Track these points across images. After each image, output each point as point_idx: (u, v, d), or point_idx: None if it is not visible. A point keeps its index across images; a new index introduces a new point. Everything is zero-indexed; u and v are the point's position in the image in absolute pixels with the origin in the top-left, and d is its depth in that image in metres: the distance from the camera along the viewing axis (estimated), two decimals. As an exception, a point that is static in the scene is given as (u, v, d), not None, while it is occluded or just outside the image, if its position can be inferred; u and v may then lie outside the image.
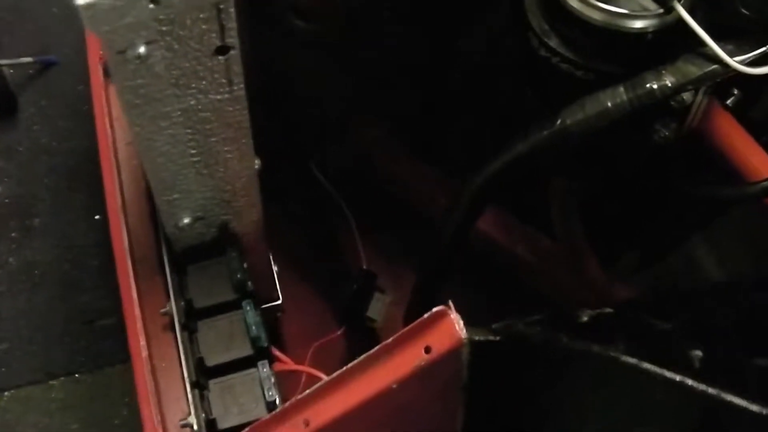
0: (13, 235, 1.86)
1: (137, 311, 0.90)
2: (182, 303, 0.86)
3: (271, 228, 1.06)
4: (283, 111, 1.09)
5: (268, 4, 0.98)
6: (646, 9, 0.70)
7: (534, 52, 0.74)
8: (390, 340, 0.67)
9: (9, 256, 1.80)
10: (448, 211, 0.78)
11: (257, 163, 0.83)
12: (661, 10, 0.70)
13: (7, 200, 1.94)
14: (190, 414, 0.80)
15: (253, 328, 0.82)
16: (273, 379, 0.80)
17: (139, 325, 0.89)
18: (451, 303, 0.65)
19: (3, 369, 1.62)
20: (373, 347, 0.93)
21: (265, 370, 0.80)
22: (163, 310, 0.87)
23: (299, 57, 1.03)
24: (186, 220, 0.85)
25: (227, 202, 0.85)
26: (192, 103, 0.74)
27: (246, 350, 0.82)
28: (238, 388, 0.81)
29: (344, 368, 0.69)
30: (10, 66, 2.00)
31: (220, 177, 0.82)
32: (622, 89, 0.69)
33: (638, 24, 0.71)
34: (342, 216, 1.09)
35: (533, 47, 0.74)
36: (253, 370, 0.82)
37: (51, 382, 1.67)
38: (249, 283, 0.86)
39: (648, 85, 0.68)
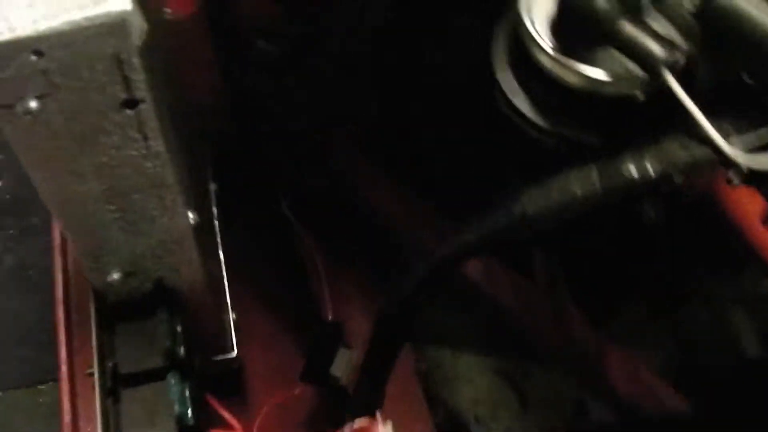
0: (10, 232, 1.80)
1: (64, 368, 0.82)
2: (110, 365, 0.77)
3: (236, 267, 0.98)
4: (256, 138, 1.00)
5: (234, 27, 0.88)
6: (630, 73, 0.58)
7: (497, 109, 0.63)
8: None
9: (5, 254, 1.75)
10: (391, 295, 0.67)
11: (192, 217, 0.74)
12: (647, 77, 0.58)
13: (7, 196, 1.89)
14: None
15: (176, 406, 0.73)
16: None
17: (65, 386, 0.81)
18: (379, 415, 0.55)
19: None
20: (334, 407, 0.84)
21: (181, 457, 0.71)
22: (89, 371, 0.78)
23: (266, 77, 0.93)
24: (115, 276, 0.76)
25: (159, 258, 0.76)
26: (104, 159, 0.65)
27: (171, 428, 0.73)
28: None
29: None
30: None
31: (147, 233, 0.73)
32: (594, 173, 0.57)
33: (621, 90, 0.59)
34: (313, 258, 0.98)
35: (498, 103, 0.63)
36: (177, 452, 0.73)
37: (39, 387, 1.61)
38: (181, 349, 0.77)
39: (625, 172, 0.57)
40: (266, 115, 0.96)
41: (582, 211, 0.57)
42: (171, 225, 0.73)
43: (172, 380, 0.74)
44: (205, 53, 0.94)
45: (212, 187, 1.00)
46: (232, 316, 0.93)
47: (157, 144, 0.65)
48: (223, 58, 0.93)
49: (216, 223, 0.98)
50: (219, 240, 0.96)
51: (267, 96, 0.93)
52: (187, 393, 0.75)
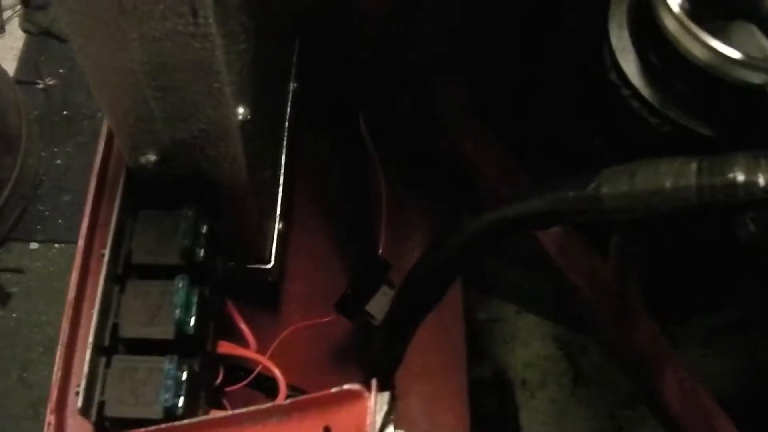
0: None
1: (81, 243, 0.76)
2: (123, 251, 0.71)
3: (299, 175, 0.90)
4: (350, 51, 0.91)
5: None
6: (765, 60, 0.47)
7: (603, 73, 0.52)
8: (286, 402, 0.51)
9: (100, 110, 1.74)
10: (430, 253, 0.58)
11: (241, 113, 0.66)
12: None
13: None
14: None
15: (178, 311, 0.66)
16: (177, 380, 0.64)
17: (78, 260, 0.75)
18: (375, 382, 0.47)
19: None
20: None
21: (170, 366, 0.64)
22: (103, 251, 0.72)
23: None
24: (150, 158, 0.69)
25: (200, 148, 0.69)
26: (145, 30, 0.57)
27: (168, 332, 0.67)
28: (141, 374, 0.66)
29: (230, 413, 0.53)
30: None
31: (189, 120, 0.65)
32: (693, 168, 0.46)
33: (751, 77, 0.48)
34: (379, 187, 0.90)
35: (604, 65, 0.52)
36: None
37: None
38: (200, 251, 0.70)
39: (731, 175, 0.46)
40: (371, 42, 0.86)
41: (667, 208, 0.47)
42: (216, 116, 0.66)
43: (180, 283, 0.68)
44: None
45: (292, 86, 0.92)
46: (278, 225, 0.86)
47: (208, 23, 0.57)
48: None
49: (287, 124, 0.90)
50: (285, 143, 0.89)
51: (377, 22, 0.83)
52: (194, 300, 0.69)
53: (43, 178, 1.75)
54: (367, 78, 0.93)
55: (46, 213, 1.75)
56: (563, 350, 1.32)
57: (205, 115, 0.66)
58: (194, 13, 0.56)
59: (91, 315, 0.70)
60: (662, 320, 0.82)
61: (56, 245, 1.69)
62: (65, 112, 1.85)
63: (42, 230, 1.72)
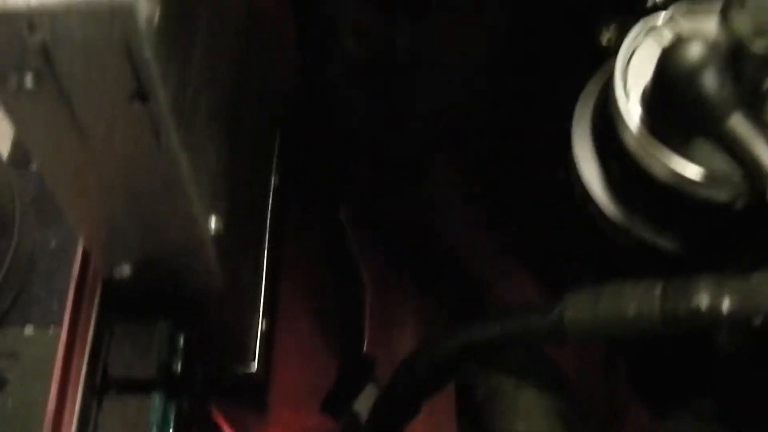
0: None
1: (60, 353, 0.76)
2: (100, 363, 0.70)
3: (281, 271, 0.90)
4: (328, 138, 0.91)
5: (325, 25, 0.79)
6: (731, 176, 0.46)
7: (567, 184, 0.51)
8: None
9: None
10: (401, 374, 0.57)
11: (212, 227, 0.65)
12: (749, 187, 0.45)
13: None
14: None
15: (155, 428, 0.65)
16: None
17: (57, 373, 0.75)
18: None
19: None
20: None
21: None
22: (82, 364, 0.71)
23: (357, 85, 0.84)
24: (124, 271, 0.69)
25: (175, 260, 0.68)
26: (110, 152, 0.57)
27: (144, 452, 0.66)
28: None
29: None
30: None
31: (160, 232, 0.65)
32: (657, 293, 0.46)
33: (716, 194, 0.47)
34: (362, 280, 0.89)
35: (569, 178, 0.52)
36: (143, 479, 0.65)
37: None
38: (177, 364, 0.69)
39: (695, 301, 0.45)
40: (347, 124, 0.86)
41: (632, 334, 0.46)
42: (187, 230, 0.65)
43: (157, 399, 0.67)
44: (285, 37, 0.85)
45: (273, 180, 0.92)
46: (261, 325, 0.85)
47: (170, 143, 0.56)
48: (305, 48, 0.84)
49: (268, 221, 0.89)
50: (267, 241, 0.88)
51: (351, 105, 0.83)
52: (171, 416, 0.68)
53: (37, 261, 1.74)
54: (350, 168, 0.93)
55: (41, 296, 1.74)
56: (567, 426, 1.30)
57: (176, 228, 0.65)
58: (156, 134, 0.56)
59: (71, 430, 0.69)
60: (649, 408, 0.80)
61: (51, 328, 1.67)
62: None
63: (37, 313, 1.71)
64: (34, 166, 1.86)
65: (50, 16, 0.47)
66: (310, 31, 0.84)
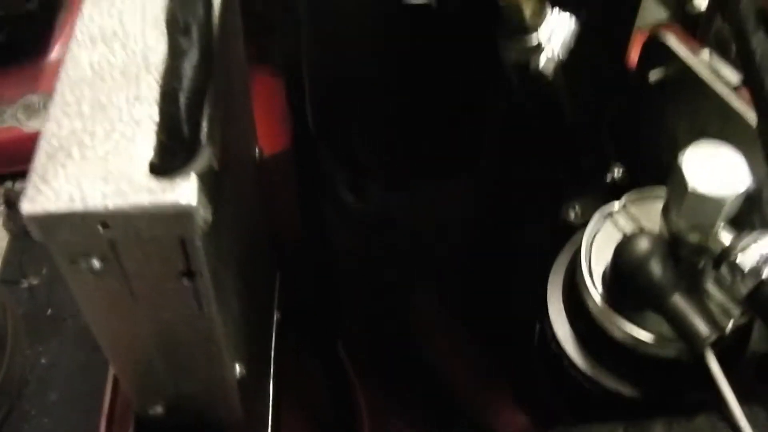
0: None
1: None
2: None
3: (285, 402, 0.99)
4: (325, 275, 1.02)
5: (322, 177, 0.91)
6: (675, 340, 0.58)
7: (546, 342, 0.63)
8: None
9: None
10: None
11: (237, 369, 0.76)
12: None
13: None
14: None
15: None
16: None
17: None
18: None
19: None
20: None
21: None
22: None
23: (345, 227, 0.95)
24: (158, 410, 0.79)
25: (202, 400, 0.78)
26: (157, 315, 0.67)
27: None
28: None
29: None
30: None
31: (191, 378, 0.75)
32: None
33: (664, 352, 0.59)
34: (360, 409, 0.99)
35: (544, 331, 0.63)
36: None
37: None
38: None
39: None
40: (341, 262, 0.97)
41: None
42: (215, 375, 0.75)
43: None
44: (287, 191, 0.97)
45: (276, 316, 1.02)
46: (270, 449, 0.94)
47: (211, 310, 0.67)
48: (305, 199, 0.95)
49: (272, 354, 0.99)
50: (272, 371, 0.98)
51: (346, 246, 0.94)
52: None
53: (29, 377, 1.80)
54: (343, 305, 1.04)
55: (33, 413, 1.79)
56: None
57: (207, 375, 0.75)
58: (199, 304, 0.67)
59: None
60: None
61: (43, 445, 1.73)
62: (49, 311, 1.92)
63: (29, 430, 1.76)
64: (25, 283, 1.94)
65: (124, 217, 0.58)
66: (310, 186, 0.96)
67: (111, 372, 0.90)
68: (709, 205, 0.54)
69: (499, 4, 0.55)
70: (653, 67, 0.67)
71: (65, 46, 2.10)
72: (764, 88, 0.53)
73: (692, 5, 0.85)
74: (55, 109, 0.63)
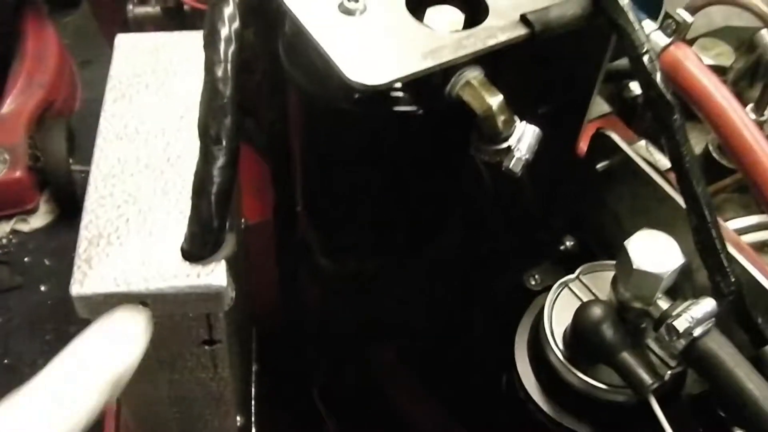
0: (47, 338, 1.90)
1: None
2: None
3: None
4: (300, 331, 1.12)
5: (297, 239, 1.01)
6: (624, 387, 0.71)
7: (514, 390, 0.75)
8: None
9: (39, 357, 1.85)
10: None
11: (239, 421, 0.86)
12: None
13: (48, 302, 1.99)
14: None
15: None
16: None
17: None
18: None
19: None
20: None
21: None
22: None
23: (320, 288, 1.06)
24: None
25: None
26: (177, 377, 0.77)
27: None
28: None
29: None
30: (81, 171, 2.07)
31: (199, 428, 0.85)
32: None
33: (615, 397, 0.72)
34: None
35: (513, 383, 0.75)
36: None
37: None
38: None
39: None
40: (314, 319, 1.08)
41: None
42: (221, 426, 0.85)
43: None
44: (268, 256, 1.07)
45: (254, 367, 1.13)
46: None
47: (224, 372, 0.77)
48: (283, 263, 1.06)
49: (253, 402, 1.09)
50: (253, 419, 1.08)
51: (318, 304, 1.05)
52: None
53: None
54: (317, 353, 1.14)
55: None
56: None
57: (213, 426, 0.85)
58: (215, 367, 0.77)
59: None
60: None
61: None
62: (6, 360, 1.98)
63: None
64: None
65: (162, 298, 0.68)
66: (287, 251, 1.06)
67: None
68: (650, 280, 0.67)
69: (473, 113, 0.67)
70: (600, 157, 0.80)
71: (17, 99, 2.16)
72: (688, 178, 0.67)
73: (628, 90, 1.00)
74: (91, 200, 0.73)
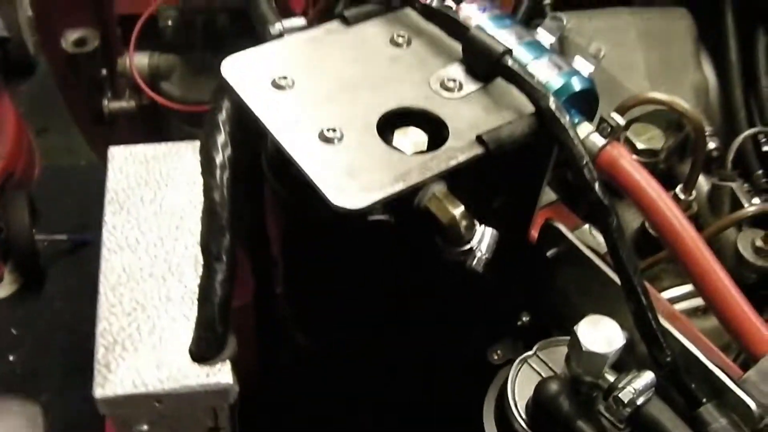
0: (15, 408, 1.94)
1: None
2: None
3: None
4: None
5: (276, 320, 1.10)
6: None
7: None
8: None
9: (10, 427, 1.90)
10: None
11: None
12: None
13: (17, 371, 2.04)
14: None
15: None
16: None
17: None
18: None
19: None
20: None
21: None
22: None
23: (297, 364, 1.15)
24: None
25: None
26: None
27: None
28: None
29: None
30: (44, 240, 2.13)
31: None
32: None
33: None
34: None
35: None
36: None
37: None
38: None
39: None
40: (290, 391, 1.17)
41: None
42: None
43: None
44: (249, 337, 1.17)
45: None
46: None
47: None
48: (264, 342, 1.15)
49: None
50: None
51: (294, 377, 1.14)
52: None
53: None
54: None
55: None
56: None
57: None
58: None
59: None
60: None
61: None
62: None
63: None
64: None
65: (176, 396, 0.77)
66: (267, 330, 1.15)
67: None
68: (598, 359, 0.78)
69: (439, 222, 0.78)
70: (549, 245, 0.91)
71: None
72: (626, 271, 0.78)
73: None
74: (102, 309, 0.82)
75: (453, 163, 0.77)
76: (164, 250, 0.86)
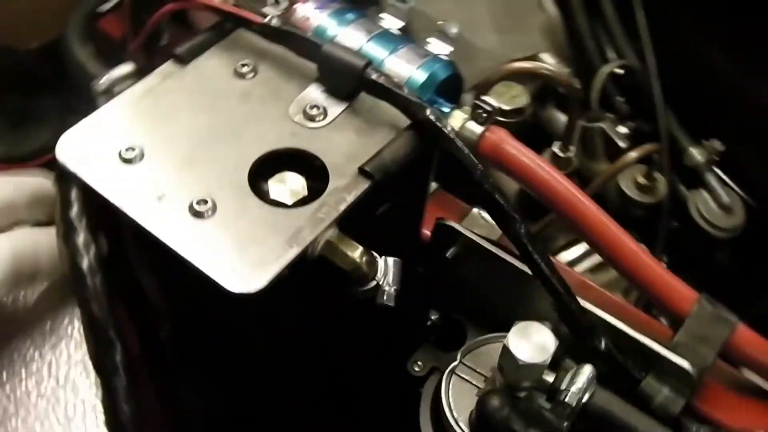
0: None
1: None
2: None
3: None
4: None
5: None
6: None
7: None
8: None
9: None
10: None
11: None
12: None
13: None
14: None
15: None
16: None
17: None
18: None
19: None
20: None
21: None
22: None
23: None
24: None
25: None
26: None
27: None
28: None
29: None
30: None
31: None
32: None
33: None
34: None
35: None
36: None
37: None
38: None
39: None
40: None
41: None
42: None
43: None
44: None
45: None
46: None
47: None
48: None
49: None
50: None
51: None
52: None
53: None
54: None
55: None
56: None
57: None
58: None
59: None
60: None
61: None
62: None
63: None
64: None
65: None
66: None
67: None
68: (535, 368, 0.74)
69: (339, 267, 0.72)
70: (446, 245, 0.87)
71: None
72: (543, 273, 0.75)
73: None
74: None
75: (343, 207, 0.71)
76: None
